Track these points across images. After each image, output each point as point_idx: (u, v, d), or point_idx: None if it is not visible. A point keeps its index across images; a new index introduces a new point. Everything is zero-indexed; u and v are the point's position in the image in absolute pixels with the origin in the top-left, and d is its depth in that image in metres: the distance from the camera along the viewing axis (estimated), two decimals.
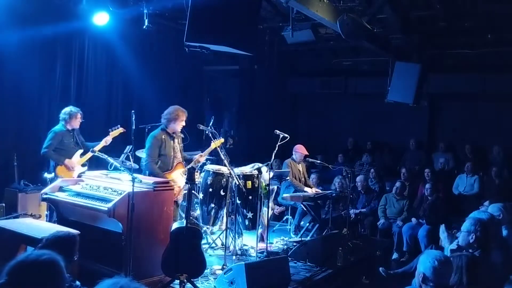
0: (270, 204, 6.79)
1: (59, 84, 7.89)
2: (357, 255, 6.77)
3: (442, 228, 4.20)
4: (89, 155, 6.33)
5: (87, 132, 6.77)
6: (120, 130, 6.51)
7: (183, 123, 5.95)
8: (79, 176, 6.08)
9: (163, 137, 5.85)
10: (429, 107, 10.51)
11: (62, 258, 2.38)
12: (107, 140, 6.39)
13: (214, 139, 5.93)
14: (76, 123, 6.38)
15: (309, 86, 11.96)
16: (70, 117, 6.30)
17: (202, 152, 6.40)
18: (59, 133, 6.28)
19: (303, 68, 11.80)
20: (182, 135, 6.11)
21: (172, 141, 5.96)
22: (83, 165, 6.38)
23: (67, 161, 6.20)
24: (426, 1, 7.50)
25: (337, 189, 8.21)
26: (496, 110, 9.60)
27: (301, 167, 7.82)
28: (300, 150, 7.72)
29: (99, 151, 5.93)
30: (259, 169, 6.16)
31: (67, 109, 6.37)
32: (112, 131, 6.45)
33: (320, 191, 7.72)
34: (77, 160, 6.30)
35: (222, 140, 6.19)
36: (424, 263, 2.94)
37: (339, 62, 10.99)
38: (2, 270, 2.17)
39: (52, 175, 6.18)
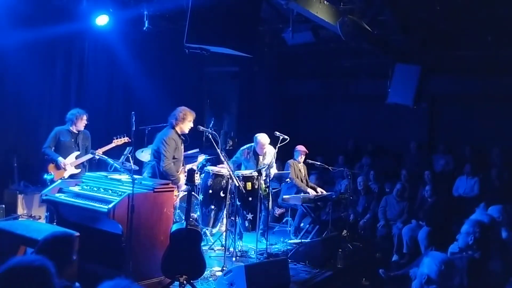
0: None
1: (59, 85, 7.89)
2: (357, 257, 6.78)
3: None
4: (84, 157, 6.41)
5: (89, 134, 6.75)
6: (125, 139, 6.53)
7: (191, 124, 5.81)
8: (71, 177, 6.12)
9: (176, 139, 5.72)
10: (429, 108, 10.51)
11: (59, 259, 2.37)
12: (109, 147, 6.44)
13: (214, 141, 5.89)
14: (81, 125, 6.43)
15: (309, 88, 11.95)
16: (76, 118, 6.40)
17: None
18: (58, 132, 6.39)
19: (303, 70, 11.79)
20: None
21: (181, 144, 5.86)
22: (77, 167, 6.40)
23: (60, 159, 6.26)
24: (426, 2, 7.50)
25: (342, 191, 8.21)
26: (496, 112, 9.59)
27: (302, 168, 7.82)
28: (300, 148, 7.78)
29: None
30: (259, 171, 6.17)
31: (73, 111, 6.49)
32: (117, 139, 6.48)
33: (324, 192, 7.72)
34: (71, 161, 6.35)
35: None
36: (430, 265, 2.94)
37: (339, 63, 10.98)
38: None
39: (52, 176, 6.20)
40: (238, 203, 5.98)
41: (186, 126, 5.77)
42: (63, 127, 6.45)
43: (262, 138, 6.57)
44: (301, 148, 7.81)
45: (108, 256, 4.72)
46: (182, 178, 5.86)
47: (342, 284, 5.94)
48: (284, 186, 7.99)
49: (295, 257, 6.12)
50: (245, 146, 6.89)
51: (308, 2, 6.04)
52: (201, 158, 6.53)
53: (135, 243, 4.57)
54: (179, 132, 5.75)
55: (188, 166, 6.30)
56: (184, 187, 5.87)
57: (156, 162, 5.67)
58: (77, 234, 4.03)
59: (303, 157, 7.78)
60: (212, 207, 5.92)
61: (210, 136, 5.80)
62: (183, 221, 4.89)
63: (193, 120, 5.84)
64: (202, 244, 5.11)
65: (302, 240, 7.15)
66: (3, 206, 6.64)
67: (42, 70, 7.54)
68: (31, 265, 2.17)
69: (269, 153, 6.67)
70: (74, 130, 6.44)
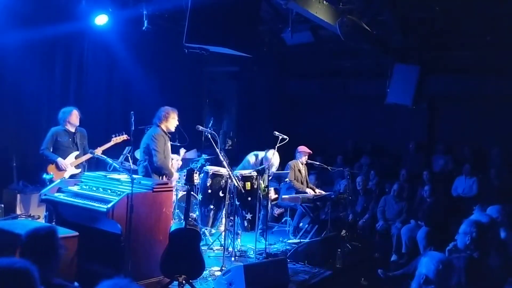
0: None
1: (58, 85, 7.89)
2: (356, 257, 6.78)
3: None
4: (84, 157, 6.41)
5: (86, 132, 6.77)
6: (124, 137, 6.54)
7: (177, 122, 6.02)
8: (71, 177, 6.12)
9: (164, 136, 5.89)
10: (428, 108, 10.52)
11: (44, 254, 2.33)
12: (108, 146, 6.44)
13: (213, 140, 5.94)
14: (74, 120, 6.42)
15: (308, 88, 11.95)
16: (65, 115, 6.38)
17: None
18: (54, 132, 6.37)
19: (302, 70, 11.79)
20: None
21: (168, 141, 6.01)
22: (77, 167, 6.39)
23: (59, 159, 6.24)
24: (425, 3, 7.51)
25: (341, 191, 8.21)
26: (495, 112, 9.60)
27: (303, 169, 7.81)
28: (303, 150, 7.76)
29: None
30: (258, 170, 6.17)
31: (62, 109, 6.48)
32: (115, 137, 6.49)
33: (323, 192, 7.72)
34: (70, 161, 6.33)
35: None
36: (428, 265, 2.94)
37: (339, 63, 10.99)
38: None
39: (51, 175, 6.19)
40: (237, 203, 5.99)
41: (172, 124, 5.97)
42: (59, 127, 6.41)
43: (271, 156, 6.59)
44: (303, 149, 7.77)
45: (107, 255, 4.72)
46: (174, 172, 6.12)
47: (341, 284, 5.94)
48: (283, 186, 7.98)
49: (294, 257, 6.12)
50: (253, 156, 6.98)
51: (307, 2, 6.04)
52: (183, 151, 6.79)
53: (134, 242, 4.57)
54: (166, 130, 5.95)
55: (174, 157, 6.43)
56: (177, 175, 6.15)
57: (148, 160, 5.80)
58: (76, 233, 4.04)
59: (306, 158, 7.76)
60: (211, 207, 5.92)
61: (209, 136, 5.82)
62: (182, 221, 4.89)
63: (177, 118, 6.02)
64: (201, 244, 5.11)
65: (301, 240, 7.15)
66: (2, 205, 6.64)
67: (41, 69, 7.54)
68: (11, 267, 2.11)
69: (275, 166, 6.85)
70: (71, 129, 6.42)
